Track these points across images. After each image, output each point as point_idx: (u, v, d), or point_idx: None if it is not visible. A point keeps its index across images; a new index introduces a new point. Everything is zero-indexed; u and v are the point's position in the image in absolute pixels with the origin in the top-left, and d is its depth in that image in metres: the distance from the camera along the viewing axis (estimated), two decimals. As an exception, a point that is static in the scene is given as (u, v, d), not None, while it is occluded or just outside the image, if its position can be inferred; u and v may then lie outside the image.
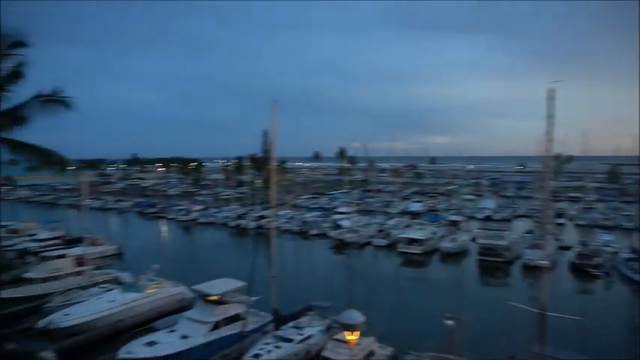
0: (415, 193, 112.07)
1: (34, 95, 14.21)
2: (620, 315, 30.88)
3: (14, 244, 48.48)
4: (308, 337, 23.36)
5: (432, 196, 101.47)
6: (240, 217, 70.69)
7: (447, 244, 49.13)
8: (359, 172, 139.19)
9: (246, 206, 77.60)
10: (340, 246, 52.93)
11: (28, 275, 33.66)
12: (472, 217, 72.90)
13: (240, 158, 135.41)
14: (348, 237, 53.94)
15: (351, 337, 15.78)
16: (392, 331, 23.68)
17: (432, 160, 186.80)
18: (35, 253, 42.17)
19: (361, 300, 32.27)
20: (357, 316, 16.31)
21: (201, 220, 73.95)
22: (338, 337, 21.07)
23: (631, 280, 37.84)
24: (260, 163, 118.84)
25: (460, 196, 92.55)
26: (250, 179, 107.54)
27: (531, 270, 39.86)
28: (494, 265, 43.72)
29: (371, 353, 21.24)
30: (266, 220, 65.64)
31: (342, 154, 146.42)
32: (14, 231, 56.76)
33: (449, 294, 34.93)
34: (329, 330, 24.35)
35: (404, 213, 77.83)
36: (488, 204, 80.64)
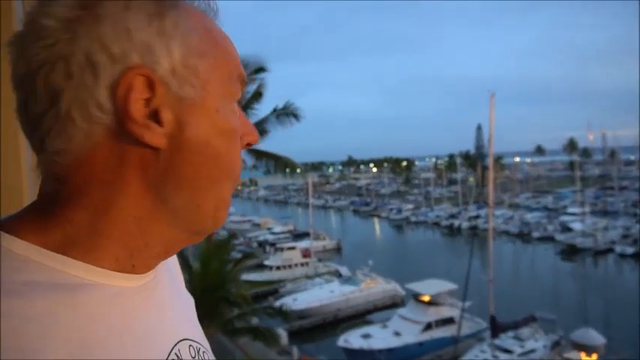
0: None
1: (272, 110, 16.47)
2: None
3: (257, 236, 57.85)
4: (531, 351, 21.01)
5: None
6: (452, 216, 68.76)
7: None
8: (595, 166, 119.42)
9: (458, 205, 75.05)
10: (570, 252, 46.08)
11: (267, 262, 39.64)
12: None
13: (451, 156, 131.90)
14: (581, 242, 46.57)
15: (587, 359, 13.47)
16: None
17: None
18: (272, 244, 49.25)
19: (598, 318, 27.35)
20: (595, 337, 13.91)
21: (413, 219, 74.63)
22: (569, 355, 18.32)
23: None
24: (473, 159, 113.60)
25: None
26: (463, 177, 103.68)
27: None
28: None
29: (613, 382, 17.81)
30: (481, 220, 62.31)
31: (571, 145, 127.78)
32: (257, 224, 67.90)
33: None
34: (556, 346, 21.42)
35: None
36: None
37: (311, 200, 47.24)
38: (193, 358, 0.45)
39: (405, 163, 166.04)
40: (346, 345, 22.47)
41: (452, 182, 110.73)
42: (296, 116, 16.35)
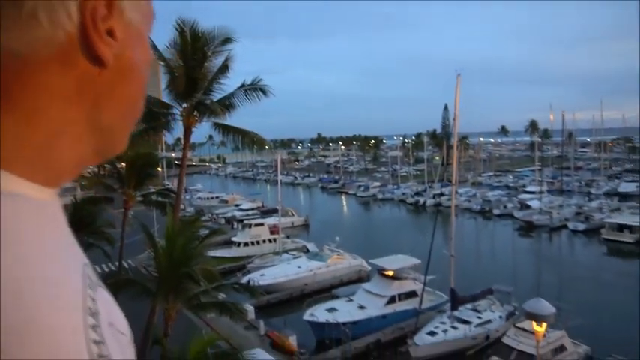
0: (628, 171, 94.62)
1: (240, 85, 16.20)
2: None
3: (224, 212, 57.56)
4: (487, 322, 22.20)
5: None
6: (418, 194, 70.23)
7: (670, 233, 40.29)
8: (553, 147, 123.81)
9: (424, 183, 76.65)
10: (527, 228, 48.17)
11: (234, 239, 39.64)
12: None
13: (419, 135, 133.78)
14: (538, 219, 48.67)
15: (539, 328, 14.30)
16: (589, 329, 20.73)
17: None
18: (240, 221, 49.21)
19: (551, 290, 28.93)
20: (546, 306, 14.68)
21: (380, 196, 75.80)
22: (521, 325, 19.45)
23: None
24: (440, 139, 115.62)
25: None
26: (429, 156, 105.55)
27: None
28: None
29: (561, 348, 19.06)
30: (445, 197, 63.93)
31: (533, 127, 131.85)
32: (224, 201, 67.45)
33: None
34: (511, 317, 22.70)
35: (611, 194, 66.32)
36: None
37: (280, 177, 47.16)
38: (91, 278, 0.44)
39: (373, 142, 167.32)
40: (312, 319, 23.00)
41: (418, 161, 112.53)
42: (264, 91, 16.20)
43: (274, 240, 39.31)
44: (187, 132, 15.93)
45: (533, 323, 14.73)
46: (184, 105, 15.71)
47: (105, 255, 19.20)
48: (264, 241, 39.49)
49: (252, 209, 57.55)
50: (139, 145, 16.59)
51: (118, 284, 11.64)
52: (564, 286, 30.72)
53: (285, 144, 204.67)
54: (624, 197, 63.39)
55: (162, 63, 15.45)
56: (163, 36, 15.13)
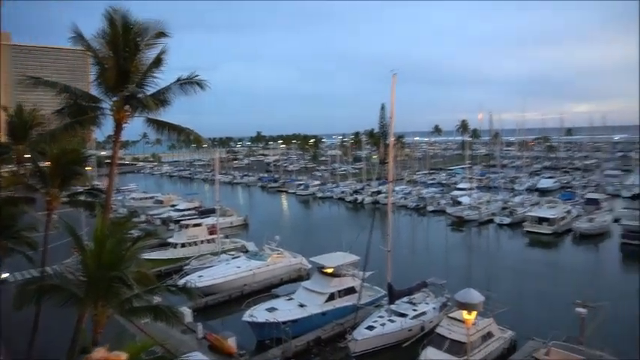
0: (546, 168, 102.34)
1: (175, 79, 15.57)
2: None
3: (160, 213, 55.43)
4: (422, 314, 23.05)
5: (566, 172, 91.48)
6: (356, 192, 71.63)
7: (582, 225, 44.07)
8: (482, 146, 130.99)
9: (362, 181, 78.30)
10: (459, 223, 50.74)
11: (171, 240, 38.29)
12: (616, 196, 64.24)
13: (357, 134, 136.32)
14: (468, 214, 51.44)
15: (469, 316, 15.04)
16: (513, 315, 22.22)
17: (568, 131, 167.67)
18: (176, 222, 47.62)
19: (480, 280, 30.73)
20: (475, 296, 15.48)
21: (319, 194, 76.51)
22: (454, 315, 20.40)
23: None
24: (377, 138, 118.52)
25: (602, 172, 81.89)
26: (367, 155, 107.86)
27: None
28: (642, 250, 38.13)
29: (488, 335, 20.22)
30: (382, 195, 65.79)
31: (463, 127, 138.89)
32: (159, 202, 64.96)
33: (582, 280, 31.54)
34: (444, 308, 23.77)
35: (532, 190, 71.49)
36: (638, 180, 70.11)
37: (218, 176, 46.08)
38: None
39: (312, 141, 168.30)
40: (251, 319, 22.73)
41: (357, 159, 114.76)
42: (201, 85, 15.70)
43: (213, 240, 38.45)
44: (118, 127, 15.10)
45: (464, 312, 15.47)
46: (115, 99, 14.90)
47: (28, 260, 17.79)
48: (202, 241, 38.49)
49: (190, 209, 55.87)
50: (65, 141, 15.51)
51: (41, 291, 10.80)
52: (492, 276, 32.72)
53: (223, 142, 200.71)
54: (543, 192, 68.60)
55: (90, 54, 14.54)
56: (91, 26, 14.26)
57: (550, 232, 44.09)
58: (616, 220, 45.98)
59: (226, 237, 41.54)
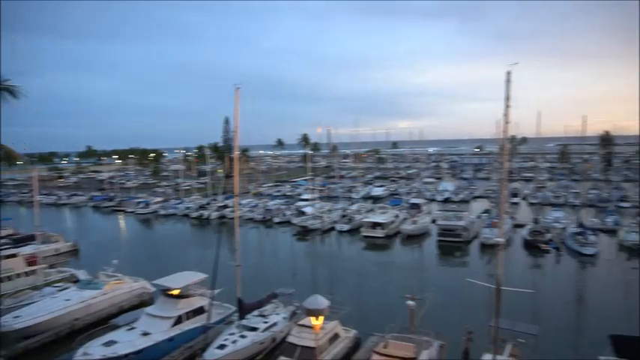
0: (377, 177, 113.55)
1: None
2: (568, 285, 32.62)
3: (-41, 246, 45.78)
4: (273, 325, 23.33)
5: (394, 180, 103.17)
6: (202, 207, 69.50)
7: (408, 227, 50.13)
8: (322, 158, 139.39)
9: (208, 196, 76.32)
10: (304, 232, 53.06)
11: (-26, 277, 31.84)
12: (432, 200, 74.73)
13: (201, 147, 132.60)
14: (312, 223, 54.13)
15: (316, 322, 15.78)
16: (355, 314, 24.10)
17: (394, 144, 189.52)
18: (-18, 254, 39.88)
19: (325, 285, 32.59)
20: (321, 301, 16.29)
21: (162, 212, 72.23)
22: (303, 322, 21.16)
23: (577, 253, 40.03)
24: (222, 151, 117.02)
25: (421, 180, 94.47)
26: (212, 169, 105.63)
27: (488, 248, 41.41)
28: (453, 245, 45.00)
29: (335, 336, 21.49)
30: (228, 209, 65.05)
31: (305, 140, 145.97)
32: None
33: (410, 275, 35.80)
34: (293, 316, 24.43)
35: (366, 198, 78.85)
36: (448, 186, 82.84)
37: (37, 197, 40.09)
38: None
39: (153, 155, 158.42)
40: (85, 358, 20.15)
41: (202, 174, 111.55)
42: (12, 92, 13.62)
43: (33, 272, 33.18)
44: None
45: (312, 318, 16.21)
46: None
47: None
48: (18, 275, 32.77)
49: (1, 238, 47.36)
50: None
51: None
52: (335, 280, 34.98)
53: (45, 158, 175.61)
54: (376, 199, 76.09)
55: None
56: None
57: (383, 235, 49.10)
58: (433, 221, 53.50)
59: (51, 267, 36.32)
